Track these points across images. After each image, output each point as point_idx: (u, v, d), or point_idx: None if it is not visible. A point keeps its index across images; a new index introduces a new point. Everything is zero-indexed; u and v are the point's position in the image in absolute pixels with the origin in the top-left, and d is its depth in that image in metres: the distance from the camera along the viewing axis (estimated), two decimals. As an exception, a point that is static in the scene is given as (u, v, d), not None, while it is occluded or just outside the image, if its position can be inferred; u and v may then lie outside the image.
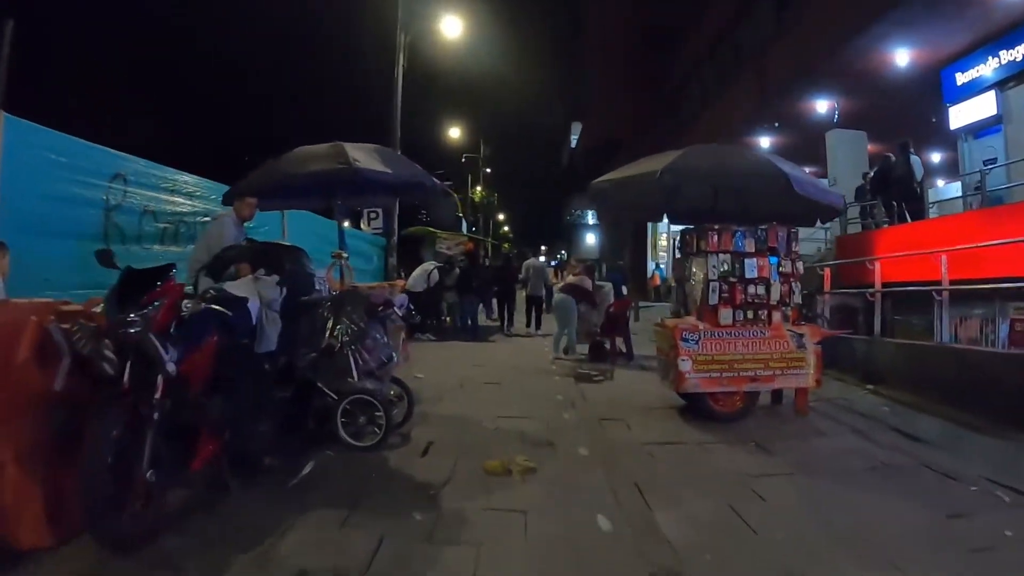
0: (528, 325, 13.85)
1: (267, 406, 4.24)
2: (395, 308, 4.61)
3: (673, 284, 6.41)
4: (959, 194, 14.26)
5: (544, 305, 15.11)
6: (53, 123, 5.35)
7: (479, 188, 49.43)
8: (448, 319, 13.10)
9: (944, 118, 13.91)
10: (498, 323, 14.05)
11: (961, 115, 13.41)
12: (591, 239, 56.11)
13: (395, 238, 13.70)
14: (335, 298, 4.64)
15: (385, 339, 4.63)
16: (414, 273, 12.49)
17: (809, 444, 5.35)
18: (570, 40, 44.67)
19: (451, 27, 15.65)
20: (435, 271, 12.21)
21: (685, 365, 5.64)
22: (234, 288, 3.97)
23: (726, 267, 5.86)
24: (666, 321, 6.08)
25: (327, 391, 4.61)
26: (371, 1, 17.56)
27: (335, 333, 4.48)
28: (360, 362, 4.49)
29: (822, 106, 16.02)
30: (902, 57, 13.18)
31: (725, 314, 5.82)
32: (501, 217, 65.04)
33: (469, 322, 12.45)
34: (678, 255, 6.76)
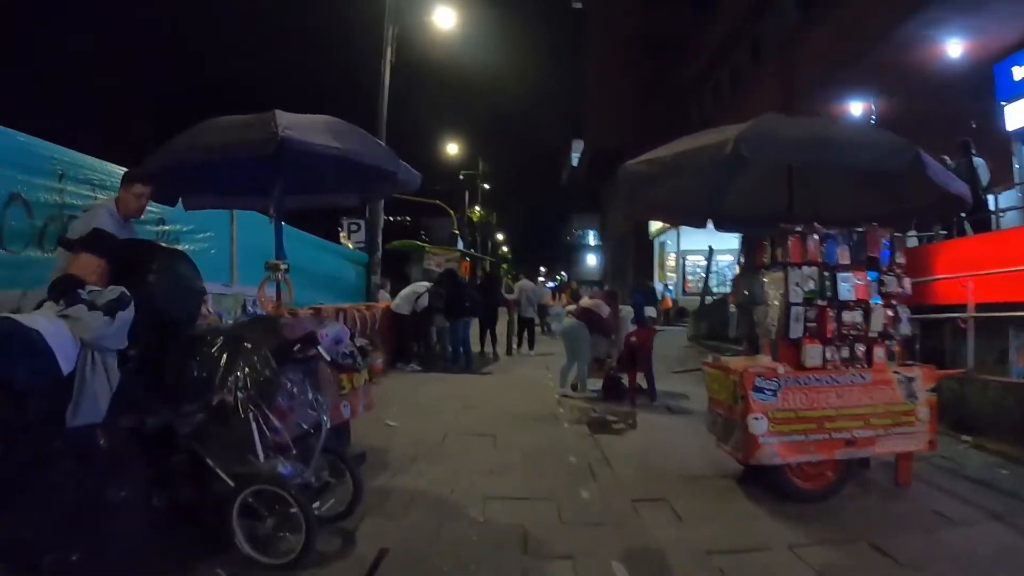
0: (519, 347, 13.76)
1: (95, 508, 2.54)
2: (320, 348, 2.89)
3: (733, 309, 4.69)
4: (1011, 204, 12.64)
5: (540, 326, 14.23)
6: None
7: (477, 208, 47.93)
8: (438, 346, 11.35)
9: (993, 120, 12.34)
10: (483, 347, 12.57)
11: (1019, 115, 11.84)
12: (592, 260, 54.63)
13: (379, 253, 12.04)
14: (230, 331, 2.95)
15: (309, 394, 2.92)
16: (400, 293, 10.79)
17: (943, 542, 3.66)
18: (571, 52, 43.52)
19: (444, 21, 14.19)
20: (425, 295, 10.47)
21: (759, 426, 3.92)
22: (25, 317, 2.29)
23: (812, 285, 4.18)
24: (727, 362, 4.36)
25: (221, 473, 2.90)
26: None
27: (228, 384, 2.79)
28: (266, 431, 2.79)
29: (856, 108, 14.43)
30: (954, 48, 11.66)
31: (812, 352, 4.12)
32: (500, 237, 63.54)
33: (461, 350, 10.69)
34: (733, 268, 5.09)
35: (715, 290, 16.75)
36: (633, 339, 7.73)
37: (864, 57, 12.36)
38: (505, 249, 61.58)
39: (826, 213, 4.66)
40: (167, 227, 6.02)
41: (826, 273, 4.20)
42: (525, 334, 13.94)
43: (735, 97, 18.78)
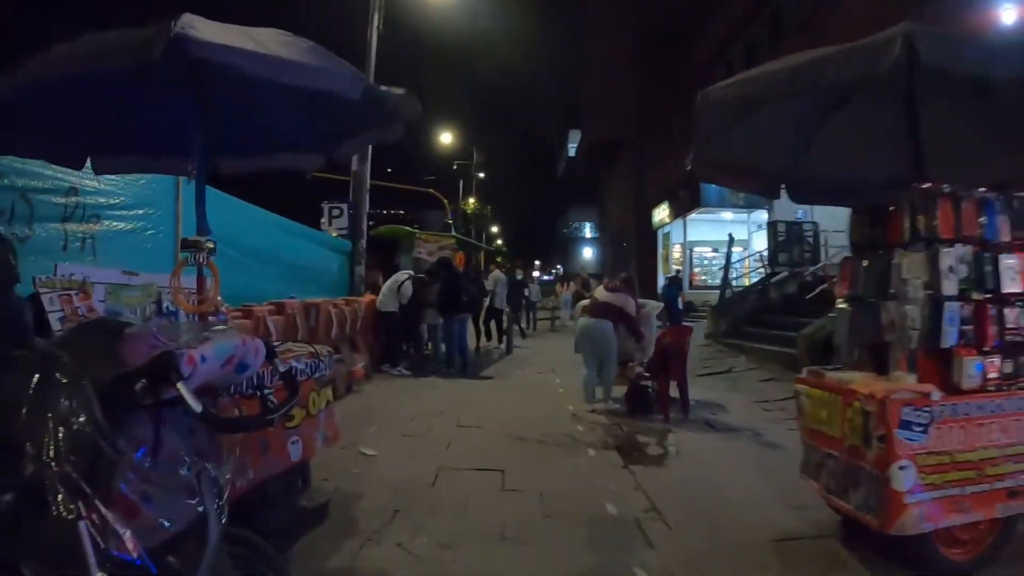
0: (489, 340, 13.11)
1: None
2: (183, 385, 1.54)
3: (842, 305, 3.38)
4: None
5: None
6: None
7: (472, 199, 46.55)
8: (430, 346, 10.00)
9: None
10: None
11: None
12: (588, 253, 53.39)
13: (363, 241, 10.69)
14: (45, 348, 1.62)
15: (183, 466, 1.60)
16: (383, 287, 9.43)
17: None
18: (570, 38, 42.04)
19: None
20: (408, 283, 9.13)
21: (906, 479, 2.64)
22: None
23: (967, 272, 2.89)
24: (848, 381, 3.03)
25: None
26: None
27: (41, 447, 1.48)
28: (96, 538, 1.47)
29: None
30: (1008, 15, 10.40)
31: (970, 367, 2.83)
32: (495, 230, 62.18)
33: (457, 351, 9.31)
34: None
35: (735, 283, 15.51)
36: (666, 340, 6.44)
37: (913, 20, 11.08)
38: (500, 242, 60.18)
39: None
40: (79, 199, 4.68)
41: (986, 254, 2.92)
42: (493, 326, 13.35)
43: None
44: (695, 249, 23.43)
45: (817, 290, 9.73)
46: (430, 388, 7.83)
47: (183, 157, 3.86)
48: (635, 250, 28.64)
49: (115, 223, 5.14)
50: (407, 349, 9.65)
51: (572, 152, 49.72)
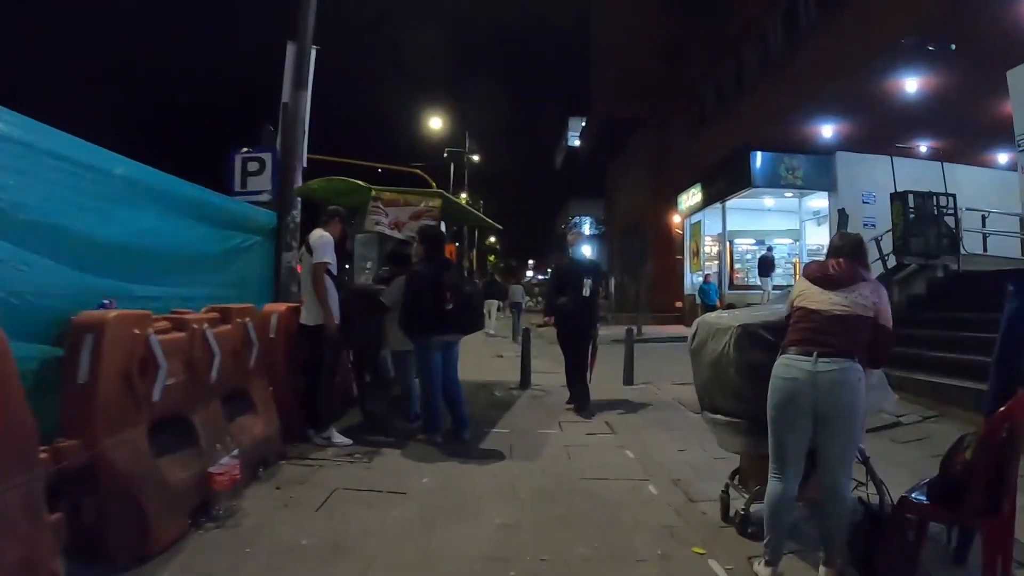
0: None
1: None
2: None
3: None
4: None
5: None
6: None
7: (463, 195, 42.47)
8: (399, 388, 5.91)
9: None
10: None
11: None
12: (587, 251, 49.28)
13: (296, 213, 6.66)
14: None
15: None
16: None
17: None
18: (578, 7, 38.07)
19: None
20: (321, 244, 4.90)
21: None
22: None
23: None
24: None
25: None
26: None
27: None
28: None
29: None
30: None
31: None
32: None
33: (444, 403, 5.02)
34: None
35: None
36: (1007, 420, 2.40)
37: None
38: (493, 239, 55.93)
39: None
40: None
41: None
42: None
43: (831, 17, 13.23)
44: (736, 241, 19.38)
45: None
46: (379, 506, 3.72)
47: None
48: (651, 245, 24.45)
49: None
50: (360, 393, 5.61)
51: (573, 141, 45.72)
